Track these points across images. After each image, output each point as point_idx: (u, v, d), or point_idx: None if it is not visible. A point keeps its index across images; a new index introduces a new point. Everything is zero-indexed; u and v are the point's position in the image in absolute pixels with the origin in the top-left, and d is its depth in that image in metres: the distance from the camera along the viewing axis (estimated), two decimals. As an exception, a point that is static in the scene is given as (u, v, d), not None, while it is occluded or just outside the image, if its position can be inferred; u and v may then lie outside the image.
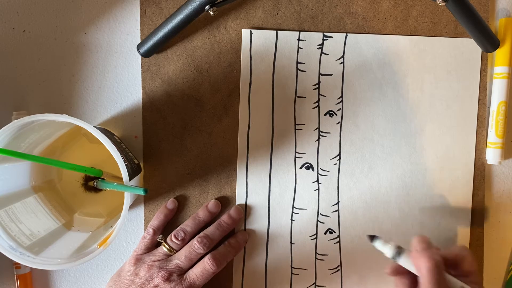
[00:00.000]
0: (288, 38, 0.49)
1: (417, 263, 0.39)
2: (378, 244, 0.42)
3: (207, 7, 0.45)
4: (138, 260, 0.46)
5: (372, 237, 0.43)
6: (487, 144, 0.50)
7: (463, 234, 0.51)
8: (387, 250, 0.42)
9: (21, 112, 0.48)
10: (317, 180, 0.50)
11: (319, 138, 0.50)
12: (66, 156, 0.49)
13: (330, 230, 0.50)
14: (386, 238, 0.49)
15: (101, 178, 0.44)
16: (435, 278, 0.38)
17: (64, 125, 0.43)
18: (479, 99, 0.50)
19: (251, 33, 0.49)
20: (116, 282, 0.45)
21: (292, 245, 0.50)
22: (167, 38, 0.47)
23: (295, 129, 0.50)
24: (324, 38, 0.49)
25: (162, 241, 0.47)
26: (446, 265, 0.40)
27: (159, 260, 0.46)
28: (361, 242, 0.50)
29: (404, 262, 0.41)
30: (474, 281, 0.40)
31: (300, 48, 0.49)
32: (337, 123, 0.50)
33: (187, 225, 0.48)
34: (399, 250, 0.41)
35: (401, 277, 0.41)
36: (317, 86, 0.50)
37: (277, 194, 0.50)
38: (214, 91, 0.49)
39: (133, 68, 0.49)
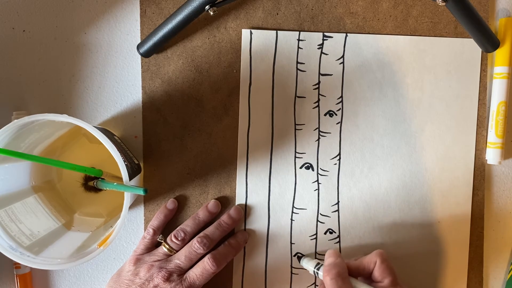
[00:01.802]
0: (288, 38, 0.49)
1: (324, 277, 0.43)
2: (303, 263, 0.49)
3: (207, 7, 0.45)
4: (138, 260, 0.46)
5: (300, 257, 0.50)
6: (487, 144, 0.50)
7: (463, 234, 0.51)
8: (309, 267, 0.47)
9: (21, 112, 0.48)
10: (317, 180, 0.50)
11: (319, 138, 0.50)
12: (66, 156, 0.49)
13: (330, 230, 0.50)
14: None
15: (101, 178, 0.44)
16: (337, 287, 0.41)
17: (64, 125, 0.43)
18: (479, 99, 0.50)
19: (251, 33, 0.49)
20: (116, 282, 0.45)
21: (292, 245, 0.50)
22: (167, 38, 0.47)
23: (295, 129, 0.50)
24: (324, 38, 0.49)
25: (162, 241, 0.47)
26: (359, 272, 0.44)
27: (159, 260, 0.46)
28: (361, 242, 0.50)
29: (321, 276, 0.45)
30: (389, 285, 0.42)
31: (300, 48, 0.49)
32: (337, 123, 0.50)
33: (187, 225, 0.48)
34: (318, 266, 0.47)
35: None
36: (317, 86, 0.50)
37: (277, 194, 0.50)
38: (214, 91, 0.49)
39: (133, 68, 0.49)
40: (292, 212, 0.50)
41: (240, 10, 0.49)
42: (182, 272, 0.45)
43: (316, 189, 0.50)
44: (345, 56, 0.50)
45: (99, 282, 0.51)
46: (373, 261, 0.44)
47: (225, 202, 0.50)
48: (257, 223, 0.50)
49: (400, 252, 0.50)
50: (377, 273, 0.43)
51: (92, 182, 0.48)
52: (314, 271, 0.47)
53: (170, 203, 0.49)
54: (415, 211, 0.50)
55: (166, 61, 0.49)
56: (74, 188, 0.49)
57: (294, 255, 0.50)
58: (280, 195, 0.50)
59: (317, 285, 0.51)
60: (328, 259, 0.44)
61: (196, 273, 0.45)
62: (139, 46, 0.48)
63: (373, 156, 0.50)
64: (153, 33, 0.47)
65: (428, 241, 0.50)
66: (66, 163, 0.40)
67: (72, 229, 0.47)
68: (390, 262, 0.44)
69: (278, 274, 0.50)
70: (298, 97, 0.50)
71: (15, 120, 0.38)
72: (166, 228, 0.49)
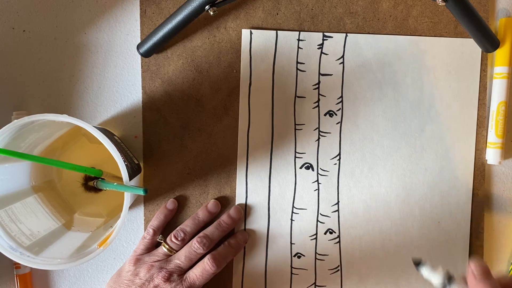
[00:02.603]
0: (288, 38, 0.49)
1: None
2: (424, 272, 0.39)
3: (207, 7, 0.45)
4: (138, 260, 0.46)
5: (418, 263, 0.39)
6: (487, 144, 0.50)
7: (463, 234, 0.51)
8: (435, 279, 0.38)
9: (21, 112, 0.48)
10: (317, 180, 0.50)
11: (319, 138, 0.50)
12: (66, 156, 0.49)
13: (330, 230, 0.50)
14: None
15: (101, 178, 0.44)
16: None
17: (64, 125, 0.43)
18: (479, 99, 0.50)
19: (251, 33, 0.49)
20: (116, 282, 0.45)
21: (292, 245, 0.50)
22: (167, 38, 0.47)
23: (295, 129, 0.50)
24: (324, 38, 0.49)
25: (162, 241, 0.47)
26: None
27: (159, 261, 0.46)
28: (361, 242, 0.50)
29: None
30: None
31: (300, 48, 0.49)
32: (337, 123, 0.50)
33: (187, 225, 0.48)
34: (450, 278, 0.38)
35: None
36: (317, 86, 0.50)
37: (277, 194, 0.50)
38: (214, 91, 0.49)
39: (133, 68, 0.49)
40: (292, 212, 0.50)
41: (240, 10, 0.49)
42: (182, 272, 0.45)
43: (316, 189, 0.50)
44: (345, 56, 0.50)
45: (99, 282, 0.51)
46: None
47: (225, 202, 0.50)
48: (257, 223, 0.50)
49: (400, 252, 0.50)
50: None
51: (92, 182, 0.48)
52: (443, 285, 0.38)
53: (170, 203, 0.49)
54: (415, 211, 0.50)
55: (166, 61, 0.49)
56: (74, 188, 0.49)
57: (295, 255, 0.50)
58: (280, 195, 0.50)
59: (317, 285, 0.51)
60: (479, 273, 0.36)
61: (196, 273, 0.45)
62: (139, 46, 0.48)
63: (373, 156, 0.50)
64: (153, 33, 0.47)
65: (428, 241, 0.50)
66: (66, 163, 0.40)
67: (72, 229, 0.47)
68: None
69: (278, 274, 0.50)
70: (298, 97, 0.50)
71: (15, 120, 0.38)
72: (166, 228, 0.49)
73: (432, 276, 0.39)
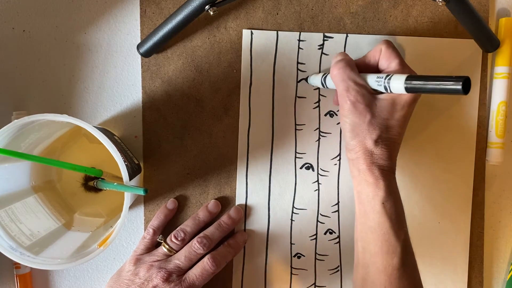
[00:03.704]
0: (288, 38, 0.49)
1: (331, 73, 0.41)
2: (312, 80, 0.46)
3: (207, 7, 0.45)
4: (138, 260, 0.46)
5: (306, 78, 0.47)
6: (487, 144, 0.50)
7: (463, 234, 0.51)
8: (317, 80, 0.45)
9: (21, 112, 0.48)
10: (317, 181, 0.50)
11: (319, 138, 0.50)
12: (66, 156, 0.49)
13: (330, 231, 0.50)
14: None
15: (101, 178, 0.44)
16: (342, 77, 0.40)
17: (64, 125, 0.43)
18: (479, 99, 0.50)
19: (251, 33, 0.49)
20: (116, 282, 0.45)
21: (292, 245, 0.50)
22: (167, 38, 0.47)
23: (296, 129, 0.50)
24: (325, 38, 0.49)
25: (162, 241, 0.47)
26: (367, 66, 0.43)
27: (158, 260, 0.46)
28: (361, 242, 0.50)
29: (330, 83, 0.43)
30: (396, 67, 0.41)
31: (301, 48, 0.49)
32: (337, 124, 0.50)
33: (187, 225, 0.48)
34: (325, 74, 0.43)
35: None
36: (317, 86, 0.50)
37: (277, 194, 0.50)
38: (214, 91, 0.49)
39: (133, 68, 0.49)
40: (292, 212, 0.50)
41: (240, 10, 0.49)
42: (181, 272, 0.45)
43: (316, 190, 0.50)
44: (345, 56, 0.50)
45: (99, 282, 0.51)
46: (378, 50, 0.42)
47: (225, 202, 0.50)
48: (257, 223, 0.50)
49: (400, 252, 0.50)
50: (383, 60, 0.42)
51: (92, 182, 0.48)
52: (321, 81, 0.44)
53: (170, 203, 0.49)
54: (415, 211, 0.50)
55: (166, 61, 0.49)
56: (74, 188, 0.49)
57: (295, 255, 0.50)
58: (280, 195, 0.50)
59: (317, 286, 0.51)
60: (334, 59, 0.43)
61: (195, 274, 0.45)
62: (139, 46, 0.48)
63: (373, 156, 0.50)
64: (153, 33, 0.47)
65: (428, 241, 0.50)
66: (66, 163, 0.40)
67: (72, 229, 0.47)
68: (396, 48, 0.42)
69: (278, 274, 0.50)
70: (299, 97, 0.50)
71: (15, 120, 0.38)
72: (166, 228, 0.49)
73: (315, 80, 0.46)
